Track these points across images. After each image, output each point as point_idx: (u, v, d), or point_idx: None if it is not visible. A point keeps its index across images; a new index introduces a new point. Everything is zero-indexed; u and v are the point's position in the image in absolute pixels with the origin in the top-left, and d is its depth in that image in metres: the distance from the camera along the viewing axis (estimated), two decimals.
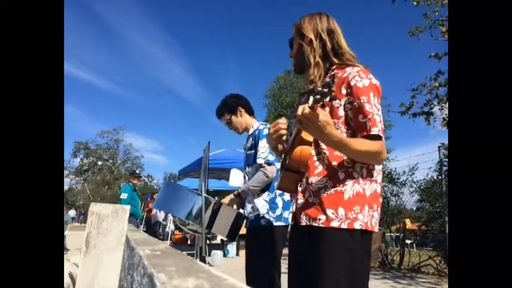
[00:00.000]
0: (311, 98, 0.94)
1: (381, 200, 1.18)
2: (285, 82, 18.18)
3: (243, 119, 2.20)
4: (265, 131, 2.05)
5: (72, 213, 33.15)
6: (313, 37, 1.26)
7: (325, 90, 0.92)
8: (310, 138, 1.10)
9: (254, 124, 2.19)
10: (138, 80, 62.75)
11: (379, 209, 1.17)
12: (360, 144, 1.07)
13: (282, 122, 1.21)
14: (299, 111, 0.97)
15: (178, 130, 68.38)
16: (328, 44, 1.25)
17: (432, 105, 6.12)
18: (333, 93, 0.91)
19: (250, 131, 2.17)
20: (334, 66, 1.25)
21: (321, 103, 0.95)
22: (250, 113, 2.24)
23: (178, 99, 66.00)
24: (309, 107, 0.94)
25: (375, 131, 1.08)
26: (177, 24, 67.25)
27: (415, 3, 5.79)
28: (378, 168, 1.18)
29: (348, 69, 1.19)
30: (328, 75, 1.25)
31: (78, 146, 35.93)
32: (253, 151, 2.08)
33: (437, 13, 5.65)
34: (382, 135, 1.09)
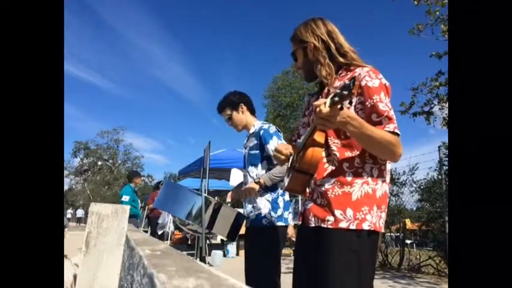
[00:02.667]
0: (329, 100, 0.93)
1: (388, 200, 1.19)
2: (283, 83, 18.16)
3: (244, 116, 2.17)
4: (272, 130, 2.04)
5: (80, 212, 33.19)
6: (315, 41, 1.27)
7: (345, 92, 0.89)
8: (322, 140, 1.11)
9: (255, 123, 2.17)
10: (138, 79, 62.91)
11: (386, 209, 1.17)
12: (379, 131, 1.07)
13: (285, 150, 1.27)
14: (319, 111, 0.96)
15: (178, 130, 68.51)
16: (332, 45, 1.26)
17: (432, 105, 6.12)
18: (353, 96, 0.92)
19: (252, 130, 2.15)
20: (342, 68, 1.26)
21: (340, 105, 0.94)
22: (252, 111, 2.22)
23: (178, 99, 66.18)
24: (329, 106, 0.93)
25: (390, 127, 1.08)
26: (177, 24, 67.34)
27: (415, 2, 5.78)
28: (388, 168, 1.18)
29: (357, 69, 1.20)
30: (338, 76, 1.26)
31: (78, 146, 35.98)
32: (257, 151, 2.05)
33: (437, 13, 5.64)
34: (398, 132, 1.09)
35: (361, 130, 1.03)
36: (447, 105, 5.77)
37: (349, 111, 1.03)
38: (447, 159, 5.61)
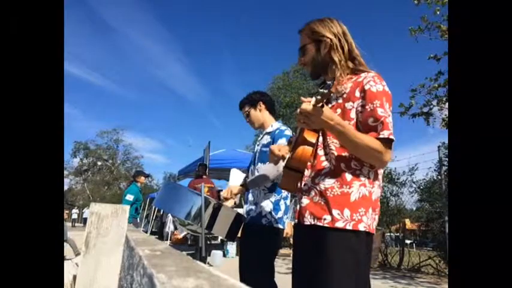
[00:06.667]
0: (313, 98, 0.99)
1: (379, 204, 1.21)
2: (283, 82, 18.18)
3: (261, 114, 2.21)
4: (286, 132, 2.08)
5: (86, 212, 33.17)
6: (333, 38, 1.23)
7: (325, 91, 0.97)
8: (312, 139, 1.13)
9: (274, 124, 2.20)
10: (138, 79, 62.89)
11: (379, 213, 1.19)
12: (364, 137, 1.08)
13: (277, 152, 1.33)
14: (302, 108, 1.01)
15: (178, 130, 68.52)
16: (346, 47, 1.24)
17: (431, 106, 6.11)
18: (331, 95, 0.98)
19: (269, 129, 2.18)
20: (347, 71, 1.24)
21: (321, 103, 0.99)
22: (271, 111, 2.26)
23: (178, 99, 66.17)
24: (313, 105, 0.98)
25: (385, 134, 1.09)
26: (177, 24, 67.34)
27: (416, 1, 5.78)
28: (380, 172, 1.20)
29: (363, 74, 1.19)
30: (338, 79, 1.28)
31: (77, 146, 35.93)
32: (268, 149, 2.09)
33: (438, 12, 5.63)
34: (392, 138, 1.10)
35: (346, 135, 1.07)
36: (446, 106, 5.77)
37: (334, 114, 1.06)
38: (447, 159, 5.62)
